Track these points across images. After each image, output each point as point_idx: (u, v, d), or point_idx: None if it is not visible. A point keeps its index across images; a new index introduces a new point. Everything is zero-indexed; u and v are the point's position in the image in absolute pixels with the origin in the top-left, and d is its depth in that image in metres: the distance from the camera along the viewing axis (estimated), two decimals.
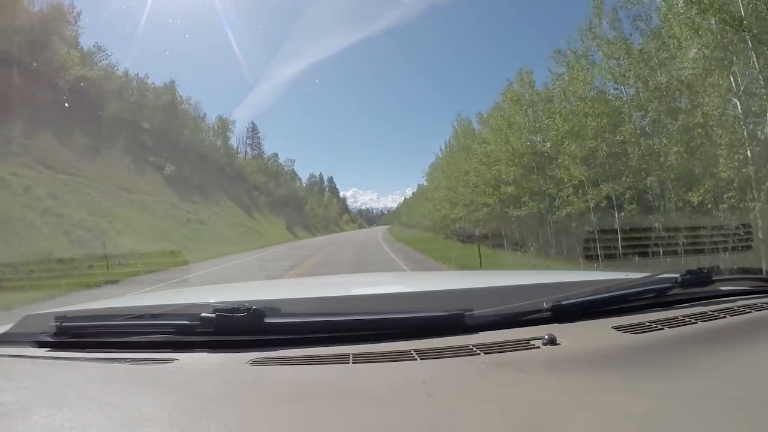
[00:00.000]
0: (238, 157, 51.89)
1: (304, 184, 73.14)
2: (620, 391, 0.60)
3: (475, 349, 0.74)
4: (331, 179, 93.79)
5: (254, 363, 0.74)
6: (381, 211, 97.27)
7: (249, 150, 61.10)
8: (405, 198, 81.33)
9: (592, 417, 0.54)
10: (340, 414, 0.57)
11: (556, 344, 0.75)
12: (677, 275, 0.98)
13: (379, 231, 54.41)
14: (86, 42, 33.01)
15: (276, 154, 63.48)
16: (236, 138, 53.63)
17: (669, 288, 0.98)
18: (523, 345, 0.76)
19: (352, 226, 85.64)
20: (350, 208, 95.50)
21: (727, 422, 0.53)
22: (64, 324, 0.87)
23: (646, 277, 1.07)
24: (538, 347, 0.75)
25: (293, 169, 68.62)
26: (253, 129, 63.34)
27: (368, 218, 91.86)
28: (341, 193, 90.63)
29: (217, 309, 0.80)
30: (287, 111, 61.36)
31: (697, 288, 1.01)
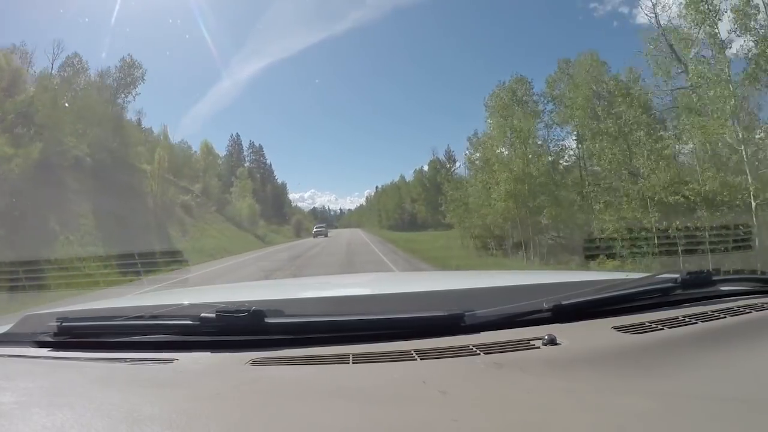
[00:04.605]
0: None
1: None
2: (620, 391, 0.60)
3: (475, 349, 0.74)
4: (260, 149, 46.07)
5: (254, 363, 0.74)
6: (340, 210, 74.17)
7: None
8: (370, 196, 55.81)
9: (593, 417, 0.54)
10: (340, 414, 0.56)
11: (556, 344, 0.75)
12: (677, 275, 0.98)
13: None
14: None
15: None
16: None
17: (669, 288, 0.98)
18: (524, 345, 0.76)
19: (254, 247, 24.96)
20: (303, 207, 55.42)
21: (727, 422, 0.53)
22: (64, 324, 0.87)
23: (646, 277, 1.07)
24: (539, 347, 0.75)
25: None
26: None
27: (325, 219, 65.54)
28: (279, 179, 47.44)
29: (218, 309, 0.80)
30: (246, 110, 53.72)
31: (697, 288, 1.01)
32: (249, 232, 31.03)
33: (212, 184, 31.66)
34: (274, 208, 43.23)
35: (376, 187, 55.23)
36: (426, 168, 40.10)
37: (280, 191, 48.34)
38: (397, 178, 44.83)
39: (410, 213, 38.83)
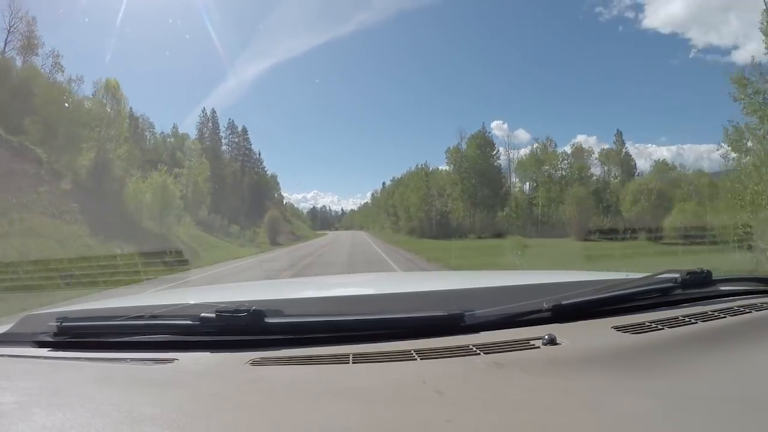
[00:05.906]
0: None
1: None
2: (620, 391, 0.60)
3: (475, 349, 0.74)
4: (243, 132, 39.19)
5: (254, 363, 0.74)
6: (342, 211, 71.56)
7: None
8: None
9: (592, 417, 0.54)
10: (340, 414, 0.57)
11: (556, 344, 0.75)
12: (677, 275, 0.98)
13: None
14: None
15: None
16: None
17: (669, 288, 0.98)
18: (523, 345, 0.76)
19: None
20: (304, 208, 54.79)
21: (727, 422, 0.53)
22: (64, 324, 0.87)
23: (646, 277, 1.07)
24: (538, 347, 0.75)
25: None
26: None
27: (324, 220, 62.91)
28: (269, 172, 41.68)
29: (218, 309, 0.80)
30: (250, 109, 52.37)
31: (697, 288, 1.01)
32: (125, 236, 16.56)
33: (117, 153, 19.86)
34: (252, 202, 34.49)
35: (383, 183, 48.01)
36: (464, 147, 27.18)
37: (267, 183, 40.56)
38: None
39: (440, 211, 26.82)
